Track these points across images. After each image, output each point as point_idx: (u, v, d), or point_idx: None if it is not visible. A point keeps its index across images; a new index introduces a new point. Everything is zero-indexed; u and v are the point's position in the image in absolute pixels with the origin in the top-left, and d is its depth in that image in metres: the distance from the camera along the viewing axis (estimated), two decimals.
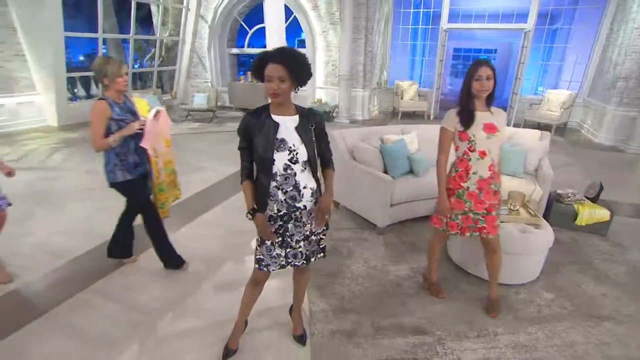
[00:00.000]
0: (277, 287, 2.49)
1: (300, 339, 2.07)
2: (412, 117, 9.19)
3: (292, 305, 2.15)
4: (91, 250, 2.95)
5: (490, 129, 2.05)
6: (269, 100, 1.62)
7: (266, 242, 1.72)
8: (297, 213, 1.70)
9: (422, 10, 9.47)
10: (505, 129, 2.16)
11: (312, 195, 1.71)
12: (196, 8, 9.42)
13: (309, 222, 1.74)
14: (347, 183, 3.49)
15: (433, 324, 2.25)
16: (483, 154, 2.07)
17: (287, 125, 1.61)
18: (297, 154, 1.62)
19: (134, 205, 2.52)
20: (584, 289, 2.64)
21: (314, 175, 1.72)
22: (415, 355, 2.02)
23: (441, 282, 2.58)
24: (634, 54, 6.51)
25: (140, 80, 10.11)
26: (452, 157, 2.22)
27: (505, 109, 7.46)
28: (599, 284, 2.70)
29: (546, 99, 7.97)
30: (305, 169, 1.66)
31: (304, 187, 1.67)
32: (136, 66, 10.48)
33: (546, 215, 3.45)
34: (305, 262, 1.80)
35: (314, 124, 1.67)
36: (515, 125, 7.18)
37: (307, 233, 1.76)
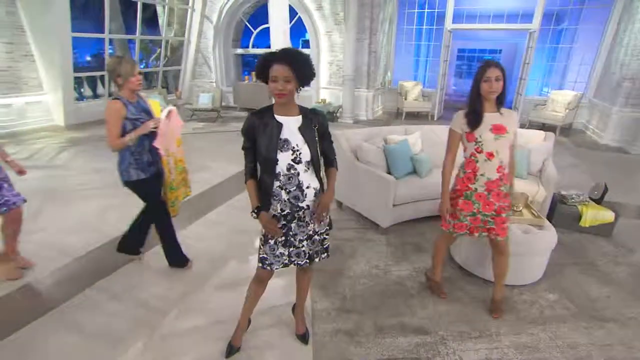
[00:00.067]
0: (280, 286, 2.51)
1: (303, 337, 2.09)
2: (416, 117, 9.18)
3: (294, 304, 2.17)
4: (97, 248, 2.99)
5: (498, 130, 2.03)
6: (273, 101, 1.64)
7: (269, 241, 1.74)
8: (301, 213, 1.71)
9: (426, 10, 9.45)
10: (516, 130, 2.13)
11: (315, 195, 1.72)
12: (201, 8, 9.48)
13: (312, 221, 1.76)
14: (350, 183, 3.50)
15: (435, 324, 2.26)
16: (490, 155, 2.05)
17: (291, 126, 1.63)
18: (300, 154, 1.64)
19: (152, 204, 2.53)
20: (588, 290, 2.64)
21: (317, 175, 1.73)
22: (417, 354, 2.03)
23: (444, 283, 2.59)
24: None
25: (146, 80, 10.18)
26: (461, 158, 2.21)
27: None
28: (602, 286, 2.69)
29: (551, 100, 7.92)
30: (308, 169, 1.68)
31: (307, 187, 1.69)
32: (142, 66, 10.57)
33: (550, 217, 3.44)
34: (308, 261, 1.82)
35: (317, 124, 1.69)
36: (520, 126, 7.13)
37: (310, 233, 1.78)
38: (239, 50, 10.38)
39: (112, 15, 7.99)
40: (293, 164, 1.64)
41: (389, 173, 3.34)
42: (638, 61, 6.47)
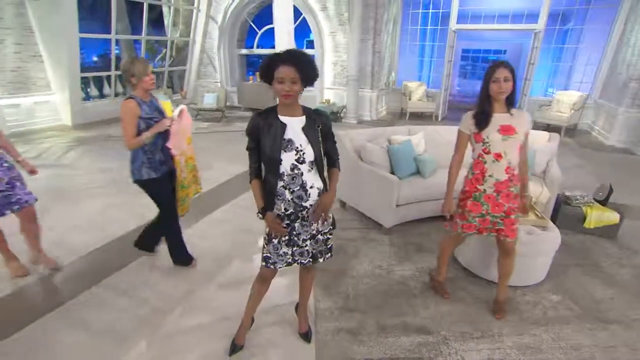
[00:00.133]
0: (284, 285, 2.53)
1: (306, 336, 2.11)
2: (420, 117, 9.17)
3: (298, 303, 2.19)
4: (103, 246, 3.04)
5: (506, 131, 2.01)
6: (277, 101, 1.66)
7: (273, 240, 1.76)
8: (304, 212, 1.73)
9: (431, 11, 9.44)
10: (528, 131, 2.09)
11: (318, 195, 1.74)
12: (206, 9, 9.54)
13: (312, 220, 1.77)
14: (353, 183, 3.51)
15: (438, 324, 2.27)
16: (498, 156, 2.04)
17: (294, 126, 1.65)
18: (304, 154, 1.65)
19: (160, 204, 2.53)
20: (591, 291, 2.63)
21: (321, 175, 1.75)
22: (420, 354, 2.04)
23: (447, 283, 2.59)
24: None
25: None
26: (471, 159, 2.20)
27: None
28: (606, 287, 2.68)
29: (556, 101, 7.87)
30: (312, 168, 1.70)
31: (311, 187, 1.71)
32: None
33: (554, 218, 3.43)
34: (311, 260, 1.84)
35: (320, 125, 1.70)
36: None
37: (314, 232, 1.79)
38: (244, 51, 10.43)
39: (119, 16, 8.07)
40: (297, 164, 1.66)
41: (393, 173, 3.35)
42: None
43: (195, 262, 2.79)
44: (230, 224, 3.50)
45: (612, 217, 3.31)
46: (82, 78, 7.39)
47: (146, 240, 2.74)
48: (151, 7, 8.66)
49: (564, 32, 9.74)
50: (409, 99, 9.00)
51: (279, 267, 1.81)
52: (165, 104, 2.39)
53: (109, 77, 8.24)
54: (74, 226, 3.34)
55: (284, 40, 6.11)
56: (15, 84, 6.66)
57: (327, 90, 9.29)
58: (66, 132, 6.90)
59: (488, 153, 2.06)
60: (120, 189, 4.20)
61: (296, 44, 7.25)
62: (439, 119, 9.08)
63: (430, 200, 3.38)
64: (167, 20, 9.65)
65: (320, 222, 1.78)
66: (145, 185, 2.41)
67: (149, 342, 2.09)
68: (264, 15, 9.69)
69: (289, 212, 1.72)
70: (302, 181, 1.68)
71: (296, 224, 1.75)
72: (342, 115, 8.69)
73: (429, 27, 9.79)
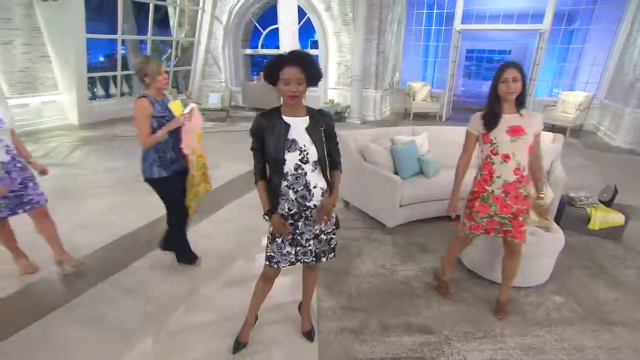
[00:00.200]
0: (287, 284, 2.54)
1: (309, 335, 2.12)
2: (424, 118, 9.15)
3: (301, 302, 2.20)
4: (109, 244, 3.07)
5: (515, 132, 1.99)
6: (282, 102, 1.68)
7: (277, 239, 1.78)
8: (308, 212, 1.75)
9: (435, 11, 9.41)
10: (538, 132, 2.06)
11: (322, 195, 1.75)
12: (211, 9, 9.60)
13: (318, 223, 1.79)
14: (357, 183, 3.52)
15: (440, 324, 2.27)
16: (506, 157, 2.02)
17: (298, 126, 1.66)
18: (307, 154, 1.67)
19: (169, 203, 2.55)
20: (595, 293, 2.62)
21: (324, 174, 1.76)
22: (422, 354, 2.05)
23: (451, 283, 2.59)
24: None
25: None
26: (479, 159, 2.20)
27: None
28: (611, 289, 2.67)
29: (561, 101, 7.82)
30: (315, 168, 1.71)
31: (314, 187, 1.72)
32: None
33: (558, 219, 3.41)
34: (314, 259, 1.85)
35: (323, 125, 1.72)
36: None
37: (317, 232, 1.81)
38: (248, 51, 10.47)
39: (125, 17, 8.13)
40: (300, 163, 1.67)
41: (396, 174, 3.35)
42: None
43: (199, 261, 2.81)
44: (234, 223, 3.53)
45: (617, 218, 3.29)
46: (89, 78, 7.47)
47: (169, 241, 2.74)
48: (157, 7, 8.72)
49: (569, 32, 9.68)
50: (413, 100, 8.99)
51: (283, 267, 1.82)
52: (176, 103, 2.41)
53: (114, 77, 8.31)
54: (80, 225, 3.38)
55: (289, 41, 6.12)
56: (23, 84, 6.75)
57: (331, 91, 9.30)
58: (73, 132, 6.98)
59: (496, 154, 2.05)
60: (126, 188, 4.25)
61: (300, 44, 7.27)
62: (443, 120, 9.06)
63: (434, 201, 3.38)
64: (173, 21, 9.70)
65: (319, 223, 1.79)
66: (156, 183, 2.43)
67: (154, 339, 2.11)
68: (269, 15, 9.72)
69: (292, 211, 1.73)
70: (306, 181, 1.69)
71: (299, 224, 1.76)
72: (346, 115, 8.70)
73: (433, 28, 9.77)
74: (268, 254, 1.82)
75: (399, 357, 2.02)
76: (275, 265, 1.82)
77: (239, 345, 2.02)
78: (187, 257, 2.78)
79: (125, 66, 8.47)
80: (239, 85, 10.24)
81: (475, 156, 2.21)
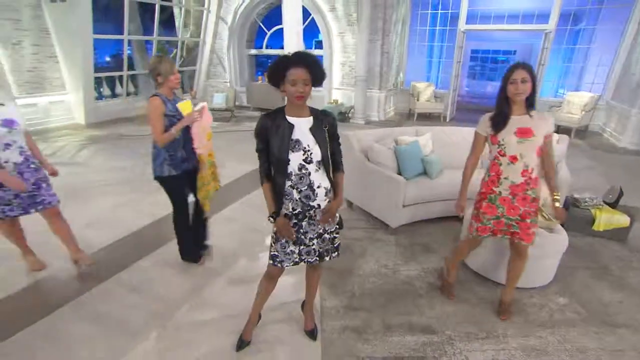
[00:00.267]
0: (290, 283, 2.56)
1: (311, 333, 2.14)
2: (428, 118, 9.14)
3: (304, 301, 2.22)
4: (115, 242, 3.11)
5: (523, 133, 1.98)
6: (286, 102, 1.69)
7: (281, 239, 1.80)
8: (312, 212, 1.76)
9: (439, 11, 9.39)
10: (549, 134, 2.04)
11: (325, 195, 1.77)
12: (216, 10, 9.65)
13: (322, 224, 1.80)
14: (360, 183, 3.54)
15: (442, 324, 2.28)
16: (514, 159, 2.01)
17: (302, 127, 1.68)
18: (311, 154, 1.68)
19: (175, 201, 2.57)
20: (599, 294, 2.61)
21: (328, 174, 1.78)
22: (424, 353, 2.06)
23: (454, 284, 2.59)
24: None
25: None
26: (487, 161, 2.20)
27: None
28: (615, 291, 2.66)
29: (567, 102, 7.77)
30: (319, 168, 1.72)
31: (318, 187, 1.73)
32: None
33: None
34: (318, 259, 1.87)
35: (327, 125, 1.73)
36: None
37: (321, 231, 1.82)
38: (253, 51, 10.51)
39: (131, 17, 8.20)
40: (304, 164, 1.69)
41: (399, 174, 3.36)
42: None
43: (204, 260, 2.84)
44: (239, 223, 3.55)
45: (622, 220, 3.27)
46: (95, 78, 7.55)
47: (185, 248, 2.78)
48: (163, 8, 8.79)
49: (575, 33, 9.61)
50: (417, 100, 8.97)
51: (286, 266, 1.84)
52: (186, 102, 2.44)
53: (121, 77, 8.39)
54: (87, 223, 3.42)
55: (293, 41, 6.15)
56: (32, 84, 6.85)
57: (335, 91, 9.31)
58: (80, 131, 7.06)
59: (503, 155, 2.04)
60: (132, 187, 4.29)
61: (305, 44, 7.30)
62: (447, 120, 9.03)
63: (437, 201, 3.38)
64: (178, 21, 9.77)
65: (323, 224, 1.80)
66: (165, 181, 2.46)
67: (158, 336, 2.14)
68: (273, 15, 9.76)
69: (296, 211, 1.75)
70: (310, 181, 1.71)
71: (303, 223, 1.78)
72: (350, 115, 8.71)
73: (437, 28, 9.75)
74: (272, 253, 1.84)
75: (401, 357, 2.03)
76: (279, 265, 1.83)
77: (242, 343, 2.04)
78: (191, 255, 2.81)
79: (131, 66, 8.55)
80: (243, 86, 10.29)
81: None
